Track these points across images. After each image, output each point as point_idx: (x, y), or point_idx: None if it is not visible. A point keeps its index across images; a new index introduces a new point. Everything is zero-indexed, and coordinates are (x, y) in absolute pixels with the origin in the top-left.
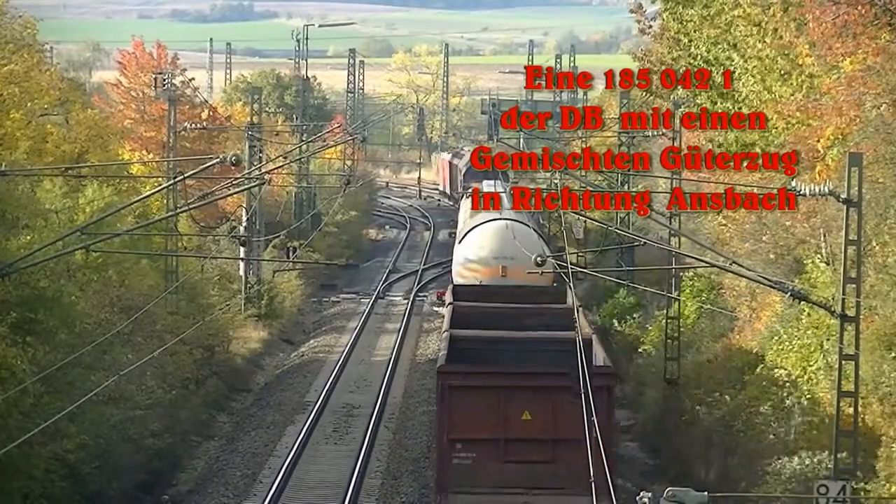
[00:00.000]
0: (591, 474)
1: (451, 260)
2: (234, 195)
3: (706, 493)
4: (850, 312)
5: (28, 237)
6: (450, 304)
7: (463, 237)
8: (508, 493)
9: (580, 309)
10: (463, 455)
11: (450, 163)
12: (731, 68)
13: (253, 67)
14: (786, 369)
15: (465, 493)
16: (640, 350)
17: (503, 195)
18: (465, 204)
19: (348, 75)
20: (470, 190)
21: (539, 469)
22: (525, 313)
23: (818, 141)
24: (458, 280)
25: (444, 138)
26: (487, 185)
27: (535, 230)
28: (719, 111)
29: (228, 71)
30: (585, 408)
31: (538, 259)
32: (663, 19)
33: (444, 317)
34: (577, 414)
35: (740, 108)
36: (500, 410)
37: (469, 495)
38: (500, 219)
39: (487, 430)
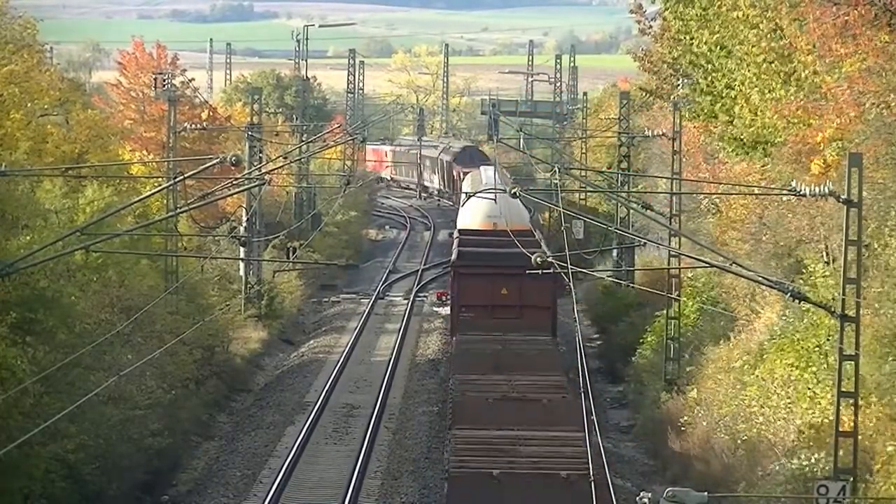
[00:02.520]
0: (591, 472)
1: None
2: (234, 195)
3: (706, 493)
4: (851, 312)
5: (28, 237)
6: (457, 236)
7: (465, 203)
8: (493, 335)
9: (542, 240)
10: (466, 314)
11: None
12: (730, 69)
13: (253, 68)
14: (785, 369)
15: (467, 335)
16: (639, 351)
17: (497, 174)
18: (466, 182)
19: (348, 76)
20: (470, 173)
21: (511, 322)
22: (505, 243)
23: (818, 138)
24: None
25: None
26: (486, 173)
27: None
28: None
29: (228, 71)
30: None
31: (538, 259)
32: (664, 19)
33: (442, 318)
34: (535, 290)
35: (739, 109)
36: (488, 288)
37: (470, 336)
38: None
39: (481, 299)
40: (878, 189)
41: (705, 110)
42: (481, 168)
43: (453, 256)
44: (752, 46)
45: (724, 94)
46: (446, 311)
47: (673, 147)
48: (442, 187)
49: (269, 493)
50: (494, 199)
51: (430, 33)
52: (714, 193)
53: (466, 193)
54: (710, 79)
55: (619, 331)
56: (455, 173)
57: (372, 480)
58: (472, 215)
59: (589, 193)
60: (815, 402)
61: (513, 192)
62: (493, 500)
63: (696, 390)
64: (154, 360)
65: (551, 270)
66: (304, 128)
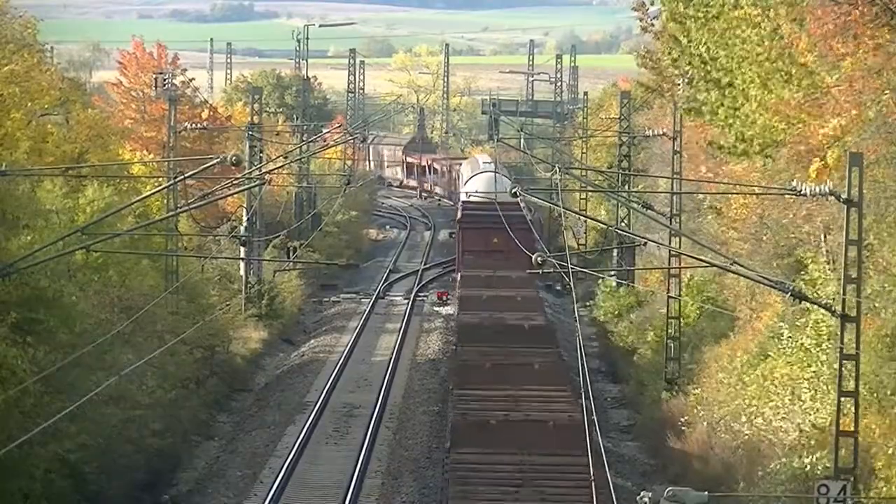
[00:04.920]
0: (592, 473)
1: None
2: (235, 195)
3: (706, 493)
4: (851, 312)
5: (28, 237)
6: (461, 203)
7: (466, 182)
8: (487, 268)
9: (526, 208)
10: (469, 256)
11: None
12: (730, 68)
13: (253, 67)
14: (786, 369)
15: (469, 270)
16: (638, 350)
17: (490, 161)
18: (465, 168)
19: (348, 75)
20: (468, 159)
21: (501, 262)
22: (496, 209)
23: (819, 138)
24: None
25: (445, 138)
26: (483, 161)
27: (508, 178)
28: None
29: (229, 71)
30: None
31: (513, 192)
32: (664, 19)
33: (443, 318)
34: (517, 239)
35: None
36: (484, 238)
37: (471, 270)
38: (488, 171)
39: (479, 245)
40: (878, 188)
41: (706, 106)
42: (477, 156)
43: (458, 216)
44: (755, 45)
45: (725, 93)
46: (447, 310)
47: (673, 147)
48: (401, 174)
49: (269, 492)
50: (494, 200)
51: (431, 33)
52: (714, 193)
53: (466, 192)
54: (710, 77)
55: (619, 330)
56: (409, 159)
57: (372, 480)
58: (471, 191)
59: (590, 194)
60: (815, 401)
61: (513, 192)
62: None
63: (696, 390)
64: (154, 360)
65: (551, 270)
66: (305, 128)
